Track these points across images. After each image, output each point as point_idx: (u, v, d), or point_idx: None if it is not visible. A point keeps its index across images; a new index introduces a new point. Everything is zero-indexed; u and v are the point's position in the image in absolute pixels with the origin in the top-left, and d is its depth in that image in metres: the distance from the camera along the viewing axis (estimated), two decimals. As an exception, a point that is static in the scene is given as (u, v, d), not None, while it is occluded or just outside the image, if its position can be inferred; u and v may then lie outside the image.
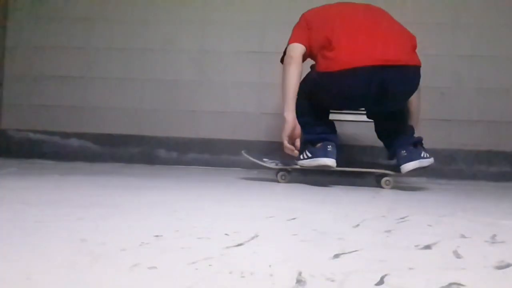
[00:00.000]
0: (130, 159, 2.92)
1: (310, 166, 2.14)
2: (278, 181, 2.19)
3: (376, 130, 2.27)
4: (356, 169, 2.27)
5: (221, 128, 2.92)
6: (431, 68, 2.72)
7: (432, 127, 2.76)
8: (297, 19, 2.24)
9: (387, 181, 2.17)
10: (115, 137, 2.97)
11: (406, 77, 2.02)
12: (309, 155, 2.13)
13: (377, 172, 2.26)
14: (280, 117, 2.88)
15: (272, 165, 2.22)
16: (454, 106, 2.76)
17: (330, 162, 2.08)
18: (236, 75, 2.89)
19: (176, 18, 2.97)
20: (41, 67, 3.03)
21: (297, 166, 2.20)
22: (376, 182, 2.26)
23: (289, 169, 2.22)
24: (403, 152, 2.08)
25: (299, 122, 2.18)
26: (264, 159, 2.27)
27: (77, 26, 3.01)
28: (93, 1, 3.02)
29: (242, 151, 2.30)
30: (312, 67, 2.24)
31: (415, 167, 2.06)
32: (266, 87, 2.86)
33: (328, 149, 2.09)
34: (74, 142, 3.00)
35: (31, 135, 3.02)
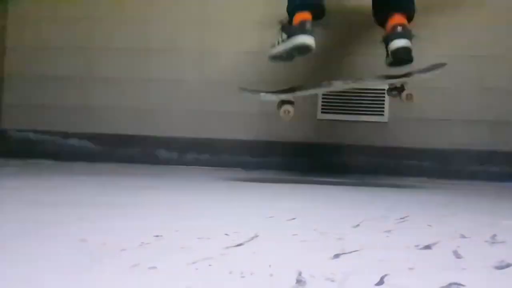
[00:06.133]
0: (130, 159, 2.92)
1: (285, 50, 1.94)
2: (282, 119, 2.00)
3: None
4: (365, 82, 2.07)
5: (221, 128, 2.92)
6: (431, 68, 2.70)
7: (432, 127, 2.76)
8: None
9: (408, 95, 2.01)
10: (115, 137, 2.97)
11: None
12: (284, 37, 1.94)
13: (391, 85, 2.05)
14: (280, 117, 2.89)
15: (273, 97, 2.01)
16: (454, 106, 2.76)
17: (308, 40, 1.85)
18: (236, 75, 2.89)
19: (176, 18, 2.97)
20: (41, 67, 3.03)
21: (304, 94, 2.01)
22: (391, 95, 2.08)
23: (292, 100, 2.00)
24: (399, 28, 1.93)
25: None
26: (261, 93, 2.10)
27: (77, 26, 3.01)
28: (93, 1, 3.02)
29: (239, 87, 2.14)
30: None
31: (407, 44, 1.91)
32: (266, 87, 2.85)
33: (307, 27, 1.88)
34: (74, 142, 2.99)
35: (31, 135, 3.02)
